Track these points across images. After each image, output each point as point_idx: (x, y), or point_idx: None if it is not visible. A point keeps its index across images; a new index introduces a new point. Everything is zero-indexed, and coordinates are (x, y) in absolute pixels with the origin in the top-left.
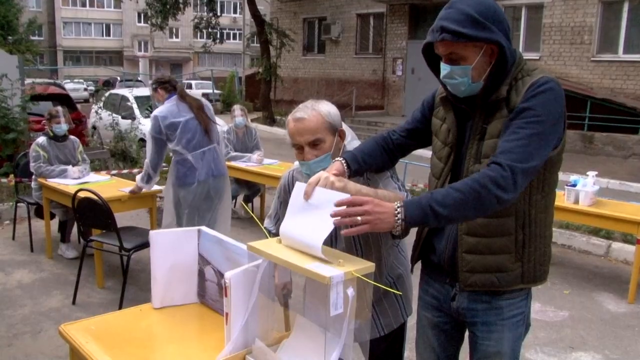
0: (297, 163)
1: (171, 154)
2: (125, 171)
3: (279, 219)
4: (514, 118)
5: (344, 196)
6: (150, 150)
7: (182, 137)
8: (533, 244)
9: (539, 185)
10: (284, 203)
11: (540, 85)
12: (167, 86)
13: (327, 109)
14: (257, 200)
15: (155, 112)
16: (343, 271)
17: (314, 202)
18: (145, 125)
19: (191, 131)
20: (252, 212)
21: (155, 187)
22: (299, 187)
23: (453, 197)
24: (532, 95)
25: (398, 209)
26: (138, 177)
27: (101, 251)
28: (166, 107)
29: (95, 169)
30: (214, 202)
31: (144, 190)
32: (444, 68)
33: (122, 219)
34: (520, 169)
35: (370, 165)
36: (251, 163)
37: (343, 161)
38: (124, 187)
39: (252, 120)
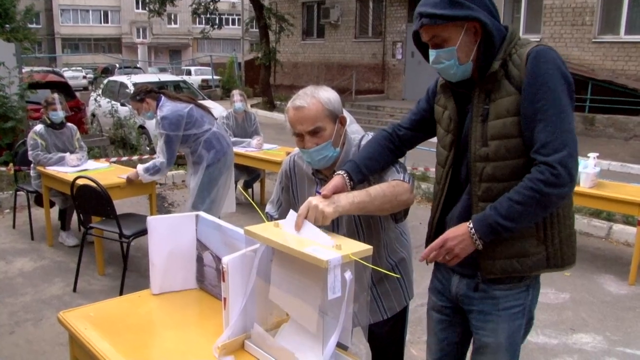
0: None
1: (187, 149)
2: (124, 158)
3: (281, 204)
4: (532, 99)
5: (327, 238)
6: (165, 149)
7: (197, 122)
8: (557, 224)
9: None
10: (285, 188)
11: (541, 57)
12: (153, 93)
13: (327, 95)
14: (257, 186)
15: (162, 114)
16: (341, 254)
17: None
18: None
19: (199, 114)
20: (252, 197)
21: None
22: (291, 217)
23: (516, 210)
24: (536, 68)
25: (472, 232)
26: (141, 167)
27: (101, 238)
28: (168, 107)
29: (94, 156)
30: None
31: (141, 180)
32: (431, 54)
33: (122, 206)
34: (567, 158)
35: (375, 169)
36: (251, 148)
37: (344, 174)
38: (124, 174)
39: (252, 106)
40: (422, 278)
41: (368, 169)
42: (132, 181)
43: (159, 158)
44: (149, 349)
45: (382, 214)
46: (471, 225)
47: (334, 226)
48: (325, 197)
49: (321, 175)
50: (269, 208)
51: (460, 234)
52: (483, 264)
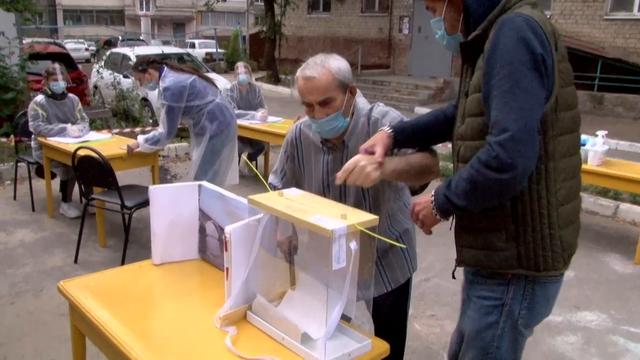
0: (306, 117)
1: (190, 120)
2: (127, 130)
3: (285, 174)
4: (490, 73)
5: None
6: (166, 120)
7: (200, 93)
8: (530, 222)
9: None
10: (290, 157)
11: (505, 26)
12: (155, 64)
13: (337, 65)
14: (261, 159)
15: (164, 85)
16: (346, 224)
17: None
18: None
19: (202, 86)
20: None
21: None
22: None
23: (462, 187)
24: (494, 41)
25: (432, 201)
26: (142, 137)
27: (103, 210)
28: (170, 77)
29: (97, 128)
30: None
31: (141, 150)
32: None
33: (124, 177)
34: (509, 141)
35: (422, 140)
36: (255, 121)
37: (392, 133)
38: (125, 146)
39: (257, 80)
40: (425, 252)
41: (416, 135)
42: (133, 151)
43: (159, 129)
44: (150, 320)
45: (410, 184)
46: (433, 194)
47: (341, 194)
48: (371, 153)
49: (329, 144)
50: (272, 178)
51: (424, 201)
52: (457, 251)
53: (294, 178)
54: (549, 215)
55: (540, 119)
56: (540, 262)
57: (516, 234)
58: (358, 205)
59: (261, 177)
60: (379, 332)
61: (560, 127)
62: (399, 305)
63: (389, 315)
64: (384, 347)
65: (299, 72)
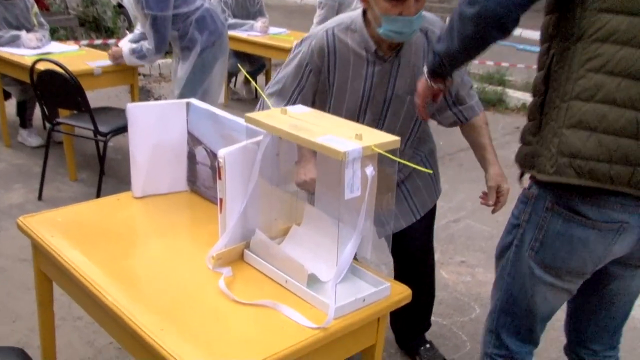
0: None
1: (175, 32)
2: (98, 42)
3: (299, 93)
4: None
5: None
6: (152, 33)
7: None
8: (547, 112)
9: (557, 27)
10: (315, 70)
11: None
12: None
13: None
14: (261, 79)
15: None
16: (361, 145)
17: None
18: None
19: None
20: (255, 93)
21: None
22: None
23: (447, 29)
24: None
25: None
26: (128, 47)
27: (72, 137)
28: None
29: (60, 39)
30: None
31: (125, 62)
32: None
33: (97, 99)
34: None
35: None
36: (254, 32)
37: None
38: (98, 61)
39: None
40: (454, 190)
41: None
42: (117, 60)
43: (147, 43)
44: (130, 260)
45: None
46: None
47: (382, 113)
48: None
49: (381, 53)
50: (274, 102)
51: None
52: None
53: (313, 97)
54: (558, 107)
55: None
56: (536, 160)
57: (540, 125)
58: (374, 122)
59: (265, 96)
60: (402, 276)
61: (607, 1)
62: (426, 239)
63: (415, 253)
64: (405, 292)
65: None
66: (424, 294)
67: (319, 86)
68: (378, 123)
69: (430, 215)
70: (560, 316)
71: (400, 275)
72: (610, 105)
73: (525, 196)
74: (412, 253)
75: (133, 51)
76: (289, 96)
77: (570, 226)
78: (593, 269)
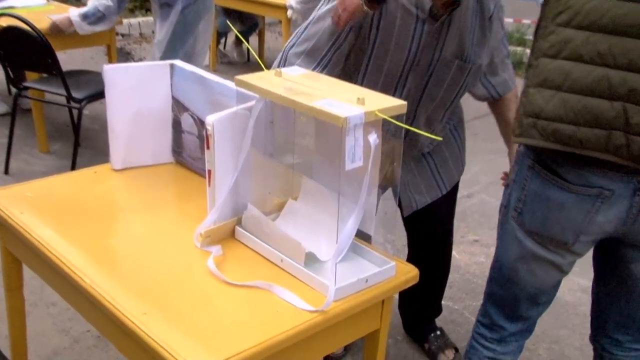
0: None
1: None
2: None
3: (335, 52)
4: None
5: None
6: None
7: None
8: (526, 72)
9: None
10: (356, 27)
11: None
12: None
13: None
14: (253, 40)
15: None
16: (363, 110)
17: None
18: None
19: None
20: (247, 56)
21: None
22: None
23: None
24: None
25: None
26: (76, 12)
27: (41, 103)
28: None
29: None
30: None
31: (74, 30)
32: None
33: (69, 61)
34: None
35: None
36: None
37: None
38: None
39: None
40: (468, 163)
41: None
42: (64, 29)
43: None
44: (109, 238)
45: None
46: None
47: (425, 77)
48: None
49: (435, 10)
50: (304, 61)
51: None
52: None
53: (350, 56)
54: (530, 65)
55: None
56: (514, 121)
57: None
58: (387, 88)
59: (255, 53)
60: (419, 256)
61: None
62: (450, 216)
63: (437, 231)
64: (412, 272)
65: None
66: (439, 276)
67: (357, 46)
68: (419, 91)
69: (454, 189)
70: (584, 300)
71: (416, 255)
72: (575, 62)
73: (517, 155)
74: (433, 231)
75: (84, 16)
76: (321, 56)
77: (547, 187)
78: (575, 239)
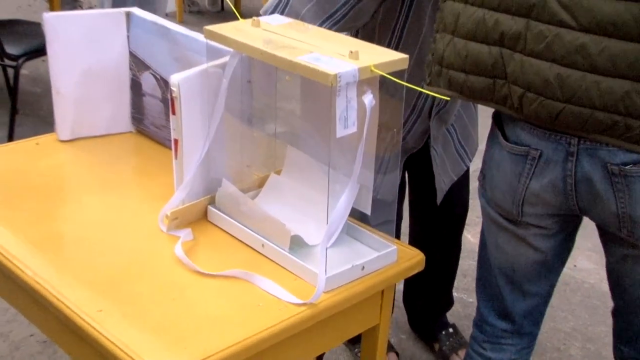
0: None
1: None
2: None
3: (359, 12)
4: None
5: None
6: None
7: None
8: None
9: None
10: None
11: None
12: None
13: None
14: None
15: None
16: (357, 66)
17: None
18: None
19: None
20: (222, 3)
21: None
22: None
23: None
24: None
25: None
26: None
27: None
28: None
29: None
30: None
31: None
32: None
33: (1, 9)
34: None
35: None
36: None
37: None
38: None
39: None
40: (481, 136)
41: None
42: None
43: None
44: (56, 222)
45: None
46: None
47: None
48: None
49: None
50: (313, 16)
51: None
52: None
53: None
54: (438, 7)
55: None
56: None
57: None
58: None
59: (233, 7)
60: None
61: None
62: (467, 190)
63: (455, 210)
64: (416, 256)
65: None
66: (449, 261)
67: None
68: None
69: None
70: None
71: (419, 237)
72: (464, 3)
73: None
74: (451, 209)
75: None
76: (335, 7)
77: (493, 144)
78: (518, 208)
